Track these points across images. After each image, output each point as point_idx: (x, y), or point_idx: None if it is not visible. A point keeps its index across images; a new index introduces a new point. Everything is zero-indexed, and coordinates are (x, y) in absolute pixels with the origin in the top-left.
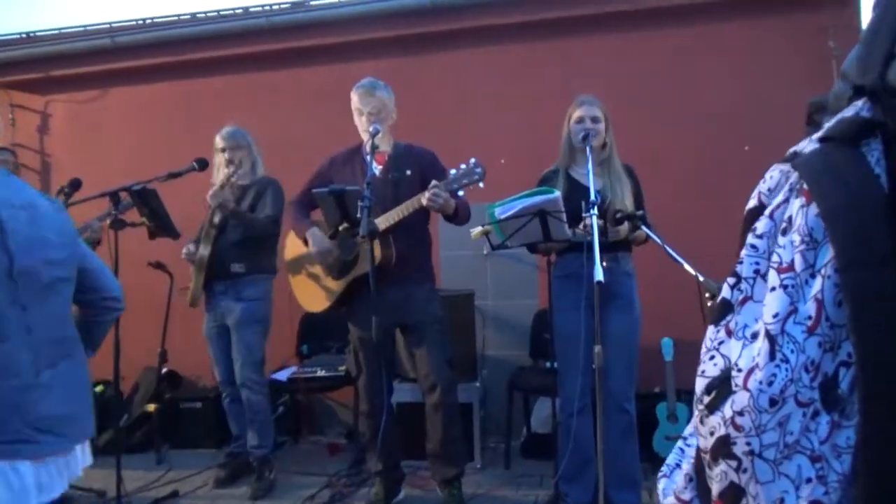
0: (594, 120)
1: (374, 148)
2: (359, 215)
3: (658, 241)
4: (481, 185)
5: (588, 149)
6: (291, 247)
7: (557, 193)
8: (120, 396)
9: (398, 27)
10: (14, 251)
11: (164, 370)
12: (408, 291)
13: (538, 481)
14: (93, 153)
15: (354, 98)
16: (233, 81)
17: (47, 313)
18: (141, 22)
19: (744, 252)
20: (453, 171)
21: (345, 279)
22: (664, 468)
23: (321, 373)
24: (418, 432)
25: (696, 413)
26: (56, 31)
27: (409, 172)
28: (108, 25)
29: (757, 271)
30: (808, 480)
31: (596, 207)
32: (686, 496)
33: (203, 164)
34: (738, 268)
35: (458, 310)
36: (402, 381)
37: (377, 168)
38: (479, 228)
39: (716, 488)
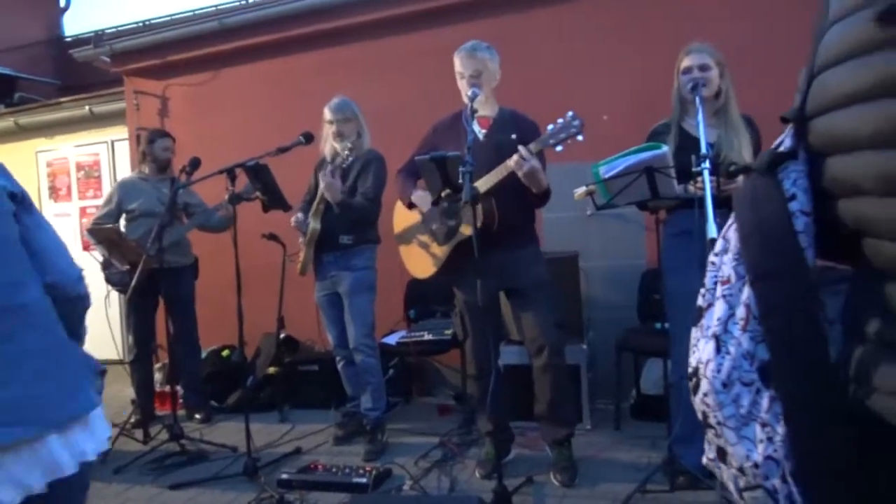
0: (703, 68)
1: (474, 111)
2: (460, 181)
3: None
4: (580, 137)
5: (698, 99)
6: (399, 216)
7: (665, 148)
8: (245, 360)
9: None
10: None
11: (283, 335)
12: (512, 254)
13: (650, 443)
14: (209, 132)
15: (456, 61)
16: (336, 54)
17: None
18: (245, 2)
19: (708, 267)
20: (550, 127)
21: (449, 244)
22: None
23: (428, 336)
24: (527, 394)
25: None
26: (168, 18)
27: (514, 136)
28: (214, 8)
29: (715, 283)
30: (762, 441)
31: (708, 161)
32: (711, 455)
33: (309, 138)
34: (705, 280)
35: (563, 272)
36: (509, 343)
37: (480, 132)
38: (584, 188)
39: (711, 453)
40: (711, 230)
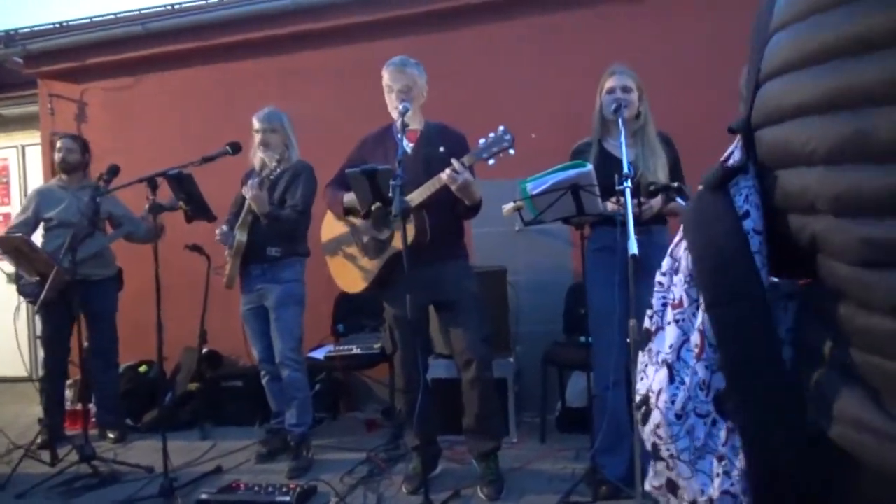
0: (625, 90)
1: (405, 126)
2: (391, 194)
3: None
4: (511, 151)
5: (620, 120)
6: (328, 228)
7: (590, 167)
8: (164, 376)
9: (426, 3)
10: None
11: (205, 350)
12: (442, 268)
13: (574, 455)
14: (129, 139)
15: (385, 75)
16: (264, 64)
17: None
18: (170, 7)
19: (655, 287)
20: (482, 141)
21: (380, 258)
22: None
23: (357, 350)
24: (455, 408)
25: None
26: (88, 20)
27: (441, 150)
28: (138, 12)
29: (664, 304)
30: (718, 475)
31: (629, 180)
32: (656, 483)
33: (236, 148)
34: (652, 300)
35: (492, 286)
36: (438, 357)
37: (408, 146)
38: (511, 204)
39: (658, 482)
40: (632, 247)
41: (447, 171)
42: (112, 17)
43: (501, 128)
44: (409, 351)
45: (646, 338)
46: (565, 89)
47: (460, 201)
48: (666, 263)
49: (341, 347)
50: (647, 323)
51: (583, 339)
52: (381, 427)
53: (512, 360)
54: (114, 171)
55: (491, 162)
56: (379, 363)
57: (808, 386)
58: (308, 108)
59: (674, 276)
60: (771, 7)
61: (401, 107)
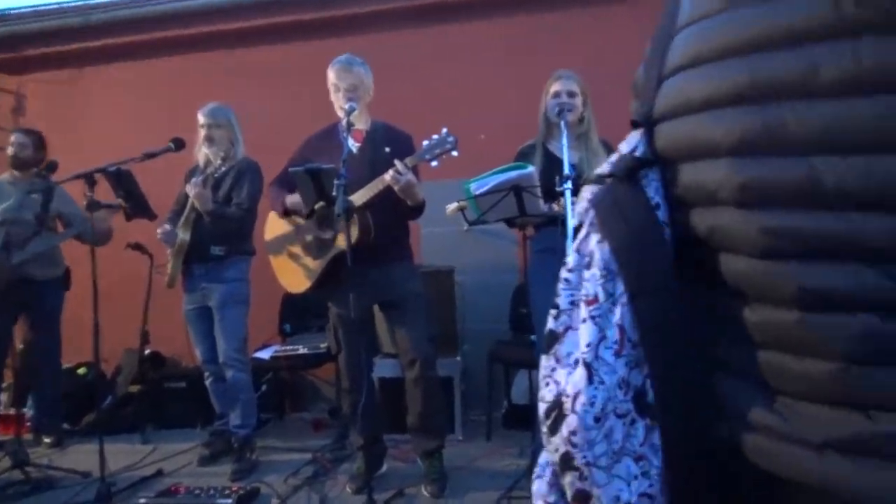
0: (570, 94)
1: (350, 125)
2: (335, 193)
3: None
4: (455, 153)
5: (563, 123)
6: (272, 227)
7: (532, 168)
8: (102, 378)
9: (375, 3)
10: None
11: (147, 351)
12: (387, 268)
13: (518, 451)
14: (69, 134)
15: (331, 74)
16: (211, 59)
17: None
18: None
19: (559, 286)
20: (425, 143)
21: (324, 258)
22: (538, 469)
23: (303, 350)
24: (400, 407)
25: (543, 433)
26: (30, 10)
27: (387, 150)
28: (82, 3)
29: (573, 302)
30: (636, 477)
31: (570, 181)
32: (551, 499)
33: (179, 144)
34: (558, 300)
35: (439, 286)
36: (384, 356)
37: (354, 145)
38: (455, 204)
39: (568, 494)
40: (571, 247)
41: (390, 172)
42: (55, 6)
43: (444, 130)
44: (353, 351)
45: (549, 340)
46: (517, 92)
47: (404, 202)
48: (572, 260)
49: (287, 347)
50: (551, 324)
51: (533, 337)
52: (327, 427)
53: (458, 358)
54: (52, 166)
55: (434, 164)
56: (325, 363)
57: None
58: (254, 106)
59: (584, 272)
60: (677, 4)
61: (347, 106)
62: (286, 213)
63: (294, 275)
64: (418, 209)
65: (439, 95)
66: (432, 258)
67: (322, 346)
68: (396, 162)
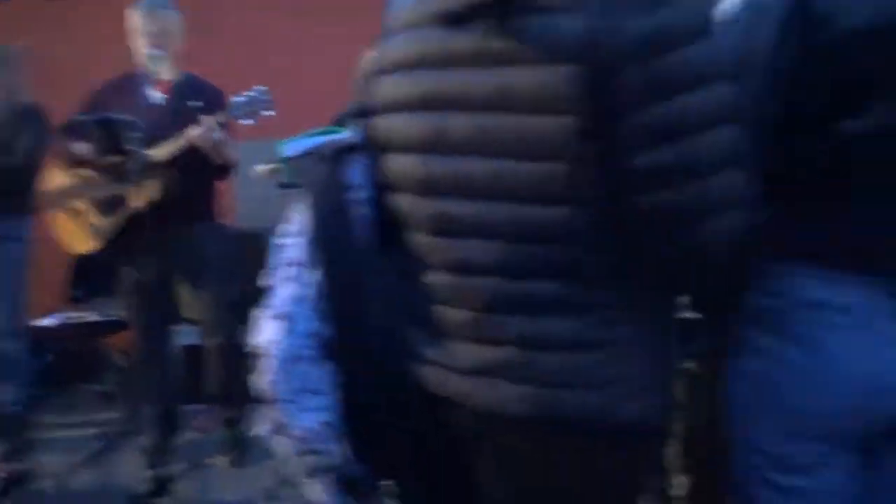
0: None
1: (154, 74)
2: (131, 147)
3: None
4: (270, 112)
5: None
6: (53, 179)
7: (346, 134)
8: None
9: None
10: None
11: None
12: (189, 231)
13: None
14: None
15: (133, 18)
16: None
17: None
18: None
19: (276, 248)
20: (236, 98)
21: (115, 216)
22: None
23: (95, 317)
24: (200, 376)
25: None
26: None
27: (197, 103)
28: None
29: (281, 264)
30: (318, 409)
31: None
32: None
33: None
34: (270, 261)
35: (254, 248)
36: (185, 323)
37: (160, 97)
38: (267, 166)
39: (268, 424)
40: None
41: (198, 128)
42: None
43: (261, 87)
44: (150, 317)
45: (265, 295)
46: (346, 53)
47: (211, 160)
48: (283, 227)
49: (77, 314)
50: (266, 281)
51: None
52: (119, 399)
53: None
54: None
55: (249, 122)
56: (120, 331)
57: (402, 335)
58: (40, 48)
59: (291, 238)
60: (392, 6)
61: (151, 52)
62: (77, 163)
63: (77, 233)
64: (226, 169)
65: (263, 51)
66: (248, 219)
67: (117, 313)
68: (205, 118)
